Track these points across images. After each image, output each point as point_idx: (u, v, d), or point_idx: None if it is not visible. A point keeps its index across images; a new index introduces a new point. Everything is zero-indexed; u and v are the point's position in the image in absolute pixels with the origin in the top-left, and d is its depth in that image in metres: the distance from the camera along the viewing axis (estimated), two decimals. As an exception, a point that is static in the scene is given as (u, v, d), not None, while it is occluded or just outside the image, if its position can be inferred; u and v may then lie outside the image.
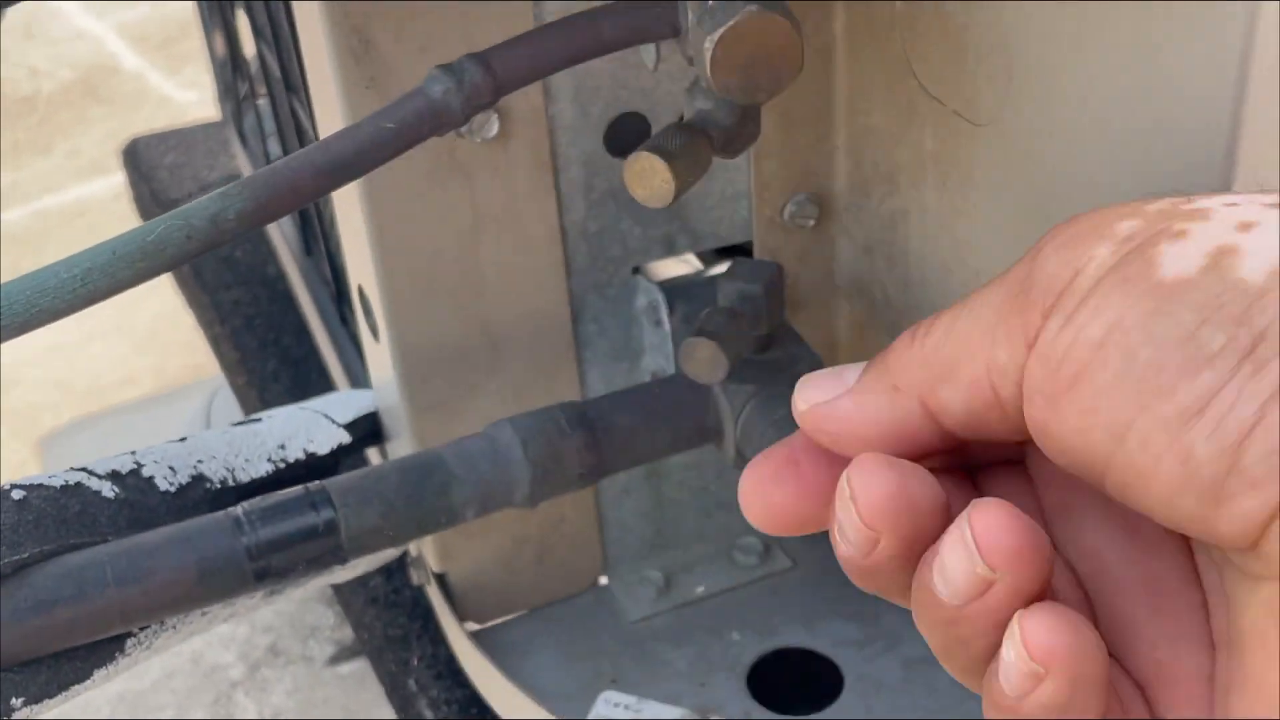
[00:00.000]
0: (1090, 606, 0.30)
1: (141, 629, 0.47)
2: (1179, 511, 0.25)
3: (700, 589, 0.62)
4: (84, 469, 0.48)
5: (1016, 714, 0.27)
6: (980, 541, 0.26)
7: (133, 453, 0.50)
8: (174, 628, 0.48)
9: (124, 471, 0.49)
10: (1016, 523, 0.26)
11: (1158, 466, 0.25)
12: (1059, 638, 0.26)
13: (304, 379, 0.86)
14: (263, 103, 0.87)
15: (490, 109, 0.48)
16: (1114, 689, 0.28)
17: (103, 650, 0.46)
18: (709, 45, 0.39)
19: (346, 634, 1.02)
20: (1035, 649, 0.26)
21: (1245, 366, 0.25)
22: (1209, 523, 0.25)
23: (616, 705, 0.57)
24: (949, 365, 0.29)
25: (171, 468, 0.50)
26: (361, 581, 0.70)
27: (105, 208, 1.77)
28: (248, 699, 1.00)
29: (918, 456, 0.30)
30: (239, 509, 0.46)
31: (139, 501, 0.48)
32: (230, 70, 0.94)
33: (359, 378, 0.70)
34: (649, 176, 0.41)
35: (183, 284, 1.01)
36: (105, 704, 1.01)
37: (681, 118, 0.44)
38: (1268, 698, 0.25)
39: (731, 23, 0.39)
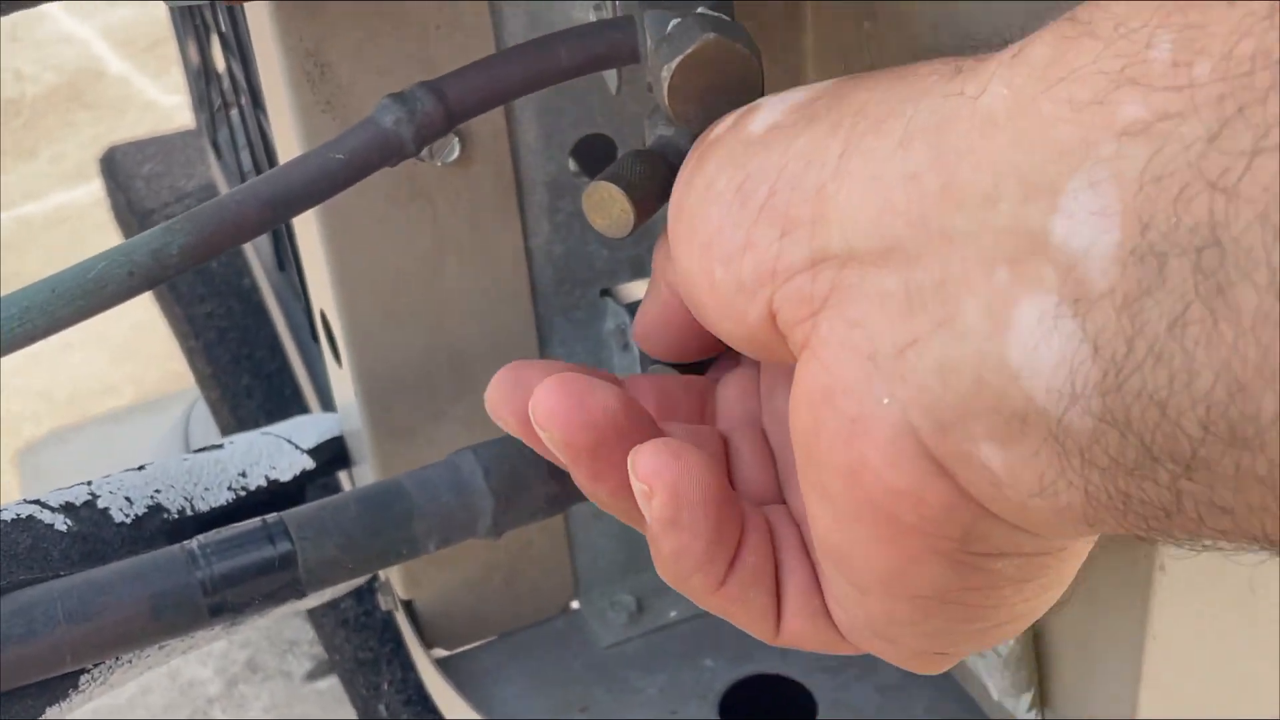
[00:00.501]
0: (775, 466, 0.37)
1: (95, 665, 0.46)
2: (730, 335, 0.31)
3: (673, 613, 0.61)
4: (36, 501, 0.47)
5: (649, 536, 0.32)
6: (537, 413, 0.33)
7: (88, 483, 0.49)
8: (130, 662, 0.47)
9: (78, 503, 0.48)
10: (562, 398, 0.32)
11: (702, 297, 0.31)
12: (659, 460, 0.31)
13: (277, 394, 0.85)
14: (236, 114, 0.86)
15: (447, 135, 0.47)
16: (762, 519, 0.34)
17: (56, 687, 0.45)
18: (666, 74, 0.38)
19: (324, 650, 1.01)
20: (640, 471, 0.31)
21: (734, 202, 0.30)
22: (746, 340, 0.31)
23: (586, 734, 0.56)
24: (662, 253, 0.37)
25: (128, 498, 0.49)
26: (332, 604, 0.70)
27: (88, 214, 1.76)
28: (225, 715, 0.99)
29: (699, 344, 0.39)
30: (194, 542, 0.45)
31: (93, 534, 0.47)
32: (204, 81, 0.94)
33: (330, 396, 0.69)
34: (608, 206, 0.40)
35: (158, 296, 1.00)
36: (81, 721, 1.00)
37: (643, 143, 0.43)
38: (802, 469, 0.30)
39: (689, 50, 0.38)
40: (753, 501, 0.35)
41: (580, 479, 0.34)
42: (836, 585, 0.32)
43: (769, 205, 0.29)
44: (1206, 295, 0.21)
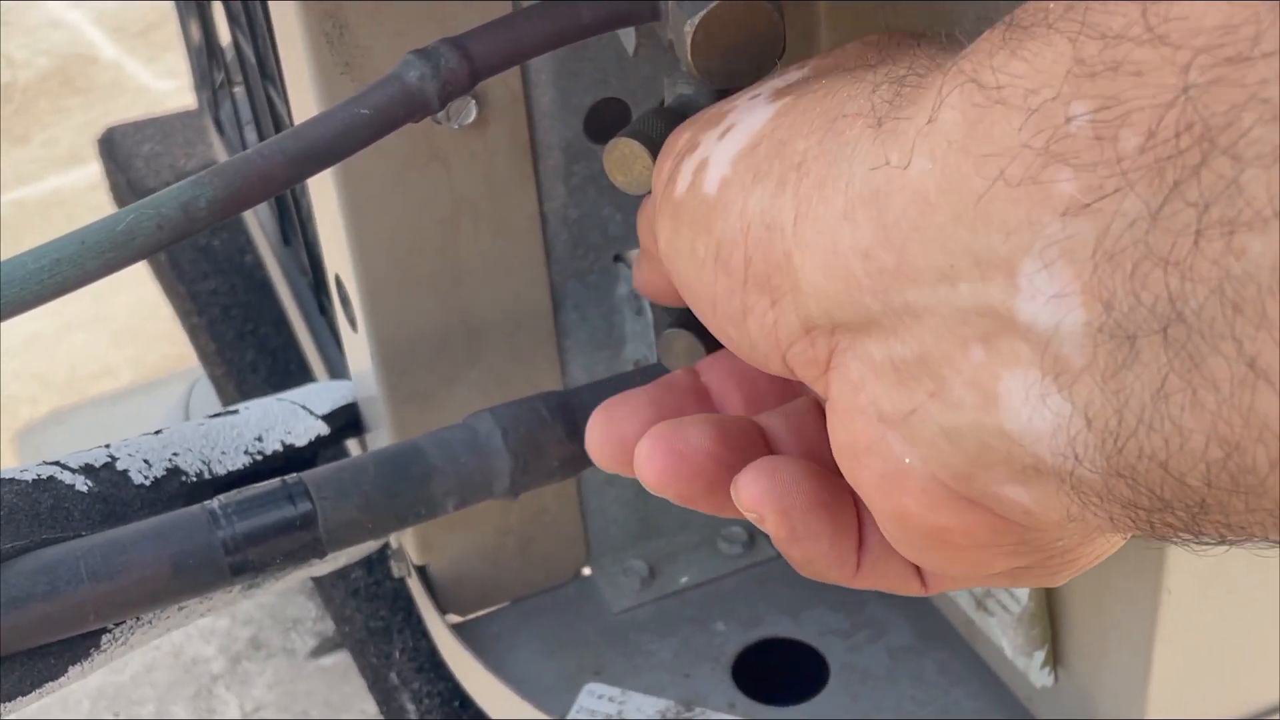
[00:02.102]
0: None
1: (117, 624, 0.46)
2: (768, 369, 0.31)
3: (685, 579, 0.62)
4: (57, 463, 0.47)
5: (780, 551, 0.33)
6: (645, 477, 0.33)
7: (106, 446, 0.49)
8: (150, 623, 0.47)
9: (98, 465, 0.48)
10: (663, 456, 0.33)
11: (727, 344, 0.32)
12: (758, 486, 0.31)
13: (282, 369, 0.85)
14: (239, 91, 0.86)
15: (467, 95, 0.47)
16: (853, 504, 0.33)
17: (78, 646, 0.45)
18: (689, 29, 0.38)
19: (328, 626, 1.02)
20: (745, 502, 0.32)
21: (719, 270, 0.31)
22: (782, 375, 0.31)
23: (600, 697, 0.56)
24: (650, 235, 0.37)
25: (146, 461, 0.49)
26: (342, 574, 0.70)
27: (82, 198, 1.76)
28: (229, 692, 0.99)
29: None
30: (214, 502, 0.45)
31: (113, 495, 0.47)
32: (206, 58, 0.93)
33: (337, 368, 0.69)
34: (629, 163, 0.41)
35: (160, 274, 1.00)
36: (85, 698, 1.00)
37: (662, 102, 0.43)
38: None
39: (712, 6, 0.38)
40: None
41: (706, 511, 0.34)
42: None
43: (750, 274, 0.30)
44: (1182, 369, 0.21)
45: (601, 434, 0.36)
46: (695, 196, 0.32)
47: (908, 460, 0.27)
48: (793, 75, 0.34)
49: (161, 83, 2.06)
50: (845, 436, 0.29)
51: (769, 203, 0.29)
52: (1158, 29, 0.20)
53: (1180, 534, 0.24)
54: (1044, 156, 0.22)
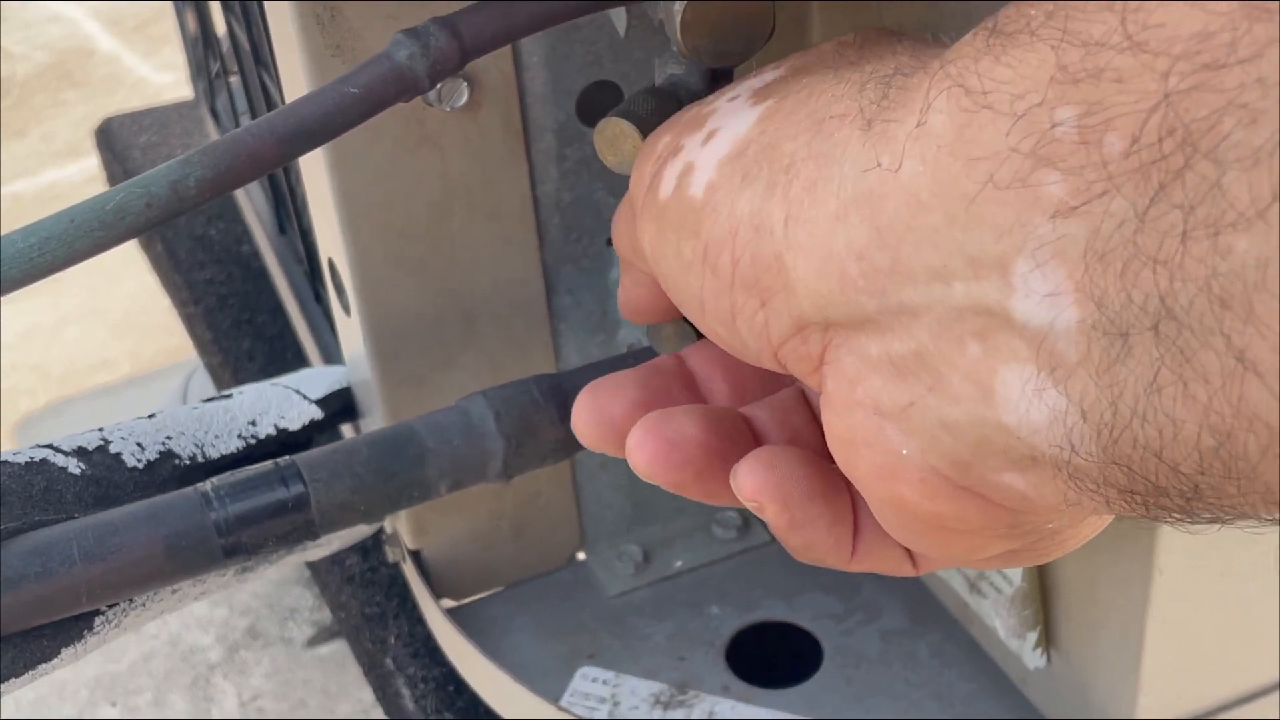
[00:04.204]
0: None
1: (110, 607, 0.46)
2: (759, 365, 0.31)
3: (679, 563, 0.62)
4: (50, 445, 0.47)
5: (778, 537, 0.33)
6: (636, 463, 0.34)
7: (100, 429, 0.49)
8: (144, 605, 0.47)
9: (90, 448, 0.48)
10: (654, 444, 0.33)
11: (718, 342, 0.32)
12: (757, 477, 0.32)
13: (278, 357, 0.85)
14: (235, 80, 0.86)
15: (458, 76, 0.47)
16: (848, 491, 0.34)
17: (71, 628, 0.45)
18: (678, 8, 0.38)
19: (325, 615, 1.02)
20: (745, 492, 0.32)
21: (706, 271, 0.31)
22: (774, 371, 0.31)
23: (595, 681, 0.57)
24: (628, 244, 0.37)
25: (139, 444, 0.49)
26: (337, 560, 0.70)
27: (79, 191, 1.76)
28: (226, 681, 1.00)
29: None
30: (208, 484, 0.45)
31: (106, 478, 0.48)
32: (202, 48, 0.93)
33: (333, 356, 0.69)
34: (619, 142, 0.41)
35: (156, 263, 1.00)
36: (83, 687, 1.00)
37: (653, 83, 0.43)
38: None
39: (701, -16, 0.38)
40: None
41: (694, 499, 0.35)
42: None
43: (738, 275, 0.30)
44: (1173, 363, 0.21)
45: (588, 414, 0.37)
46: (681, 201, 0.32)
47: (905, 451, 0.27)
48: (769, 75, 0.34)
49: (160, 75, 2.06)
50: (842, 429, 0.29)
51: (758, 205, 0.29)
52: (1136, 36, 0.21)
53: (1175, 515, 0.24)
54: (1032, 160, 0.22)
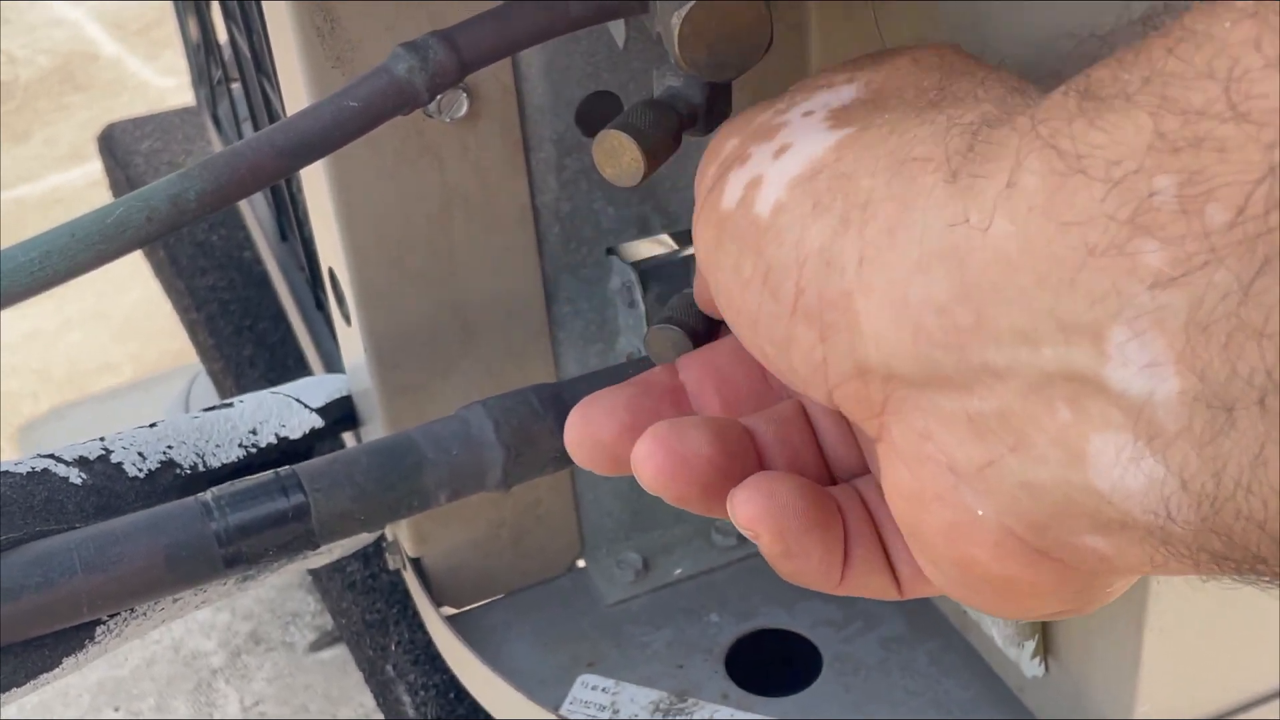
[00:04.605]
0: (854, 434, 0.36)
1: (111, 616, 0.46)
2: (805, 394, 0.31)
3: (679, 571, 0.62)
4: (51, 455, 0.47)
5: (771, 563, 0.33)
6: (642, 475, 0.33)
7: (101, 439, 0.49)
8: (145, 614, 0.48)
9: (92, 458, 0.48)
10: (664, 458, 0.33)
11: (763, 362, 0.32)
12: (755, 505, 0.32)
13: (280, 364, 0.86)
14: (237, 87, 0.87)
15: (458, 88, 0.48)
16: (858, 500, 0.34)
17: (72, 638, 0.46)
18: (676, 21, 0.39)
19: (327, 620, 1.02)
20: (741, 518, 0.32)
21: (765, 293, 0.30)
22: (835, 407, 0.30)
23: (594, 689, 0.57)
24: None
25: (140, 454, 0.50)
26: (339, 567, 0.70)
27: (82, 196, 1.76)
28: (229, 686, 1.00)
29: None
30: (208, 494, 0.46)
31: (107, 488, 0.48)
32: (204, 55, 0.94)
33: (335, 363, 0.70)
34: (618, 154, 0.41)
35: (159, 270, 1.00)
36: (86, 692, 1.00)
37: (651, 95, 0.44)
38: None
39: (698, -2, 0.38)
40: (842, 476, 0.36)
41: (695, 512, 0.35)
42: None
43: (801, 304, 0.29)
44: None
45: (579, 433, 0.37)
46: (745, 215, 0.31)
47: (980, 511, 0.27)
48: (844, 93, 0.33)
49: (162, 80, 2.07)
50: (911, 484, 0.28)
51: (830, 239, 0.29)
52: (1240, 107, 0.21)
53: (1267, 580, 0.24)
54: (1129, 228, 0.22)
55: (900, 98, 0.32)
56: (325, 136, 0.38)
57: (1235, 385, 0.21)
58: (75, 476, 0.47)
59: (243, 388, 0.85)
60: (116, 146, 1.15)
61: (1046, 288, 0.24)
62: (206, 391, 1.07)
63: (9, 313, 1.49)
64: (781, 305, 0.30)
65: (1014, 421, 0.25)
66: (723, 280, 0.32)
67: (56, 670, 0.46)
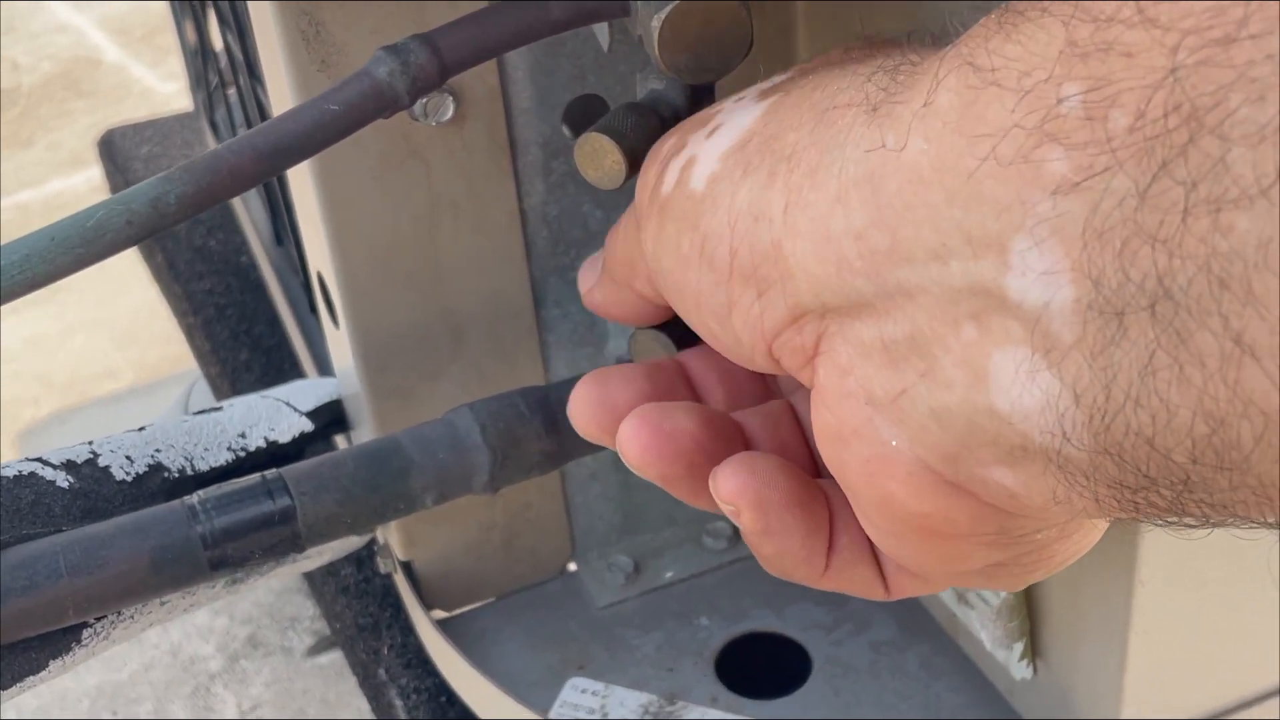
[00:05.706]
0: None
1: (98, 619, 0.46)
2: (751, 367, 0.32)
3: (669, 574, 0.62)
4: (38, 459, 0.47)
5: (748, 542, 0.33)
6: (627, 453, 0.34)
7: (89, 442, 0.50)
8: (132, 618, 0.48)
9: (79, 461, 0.48)
10: (649, 436, 0.33)
11: (711, 342, 0.33)
12: (738, 479, 0.32)
13: (276, 368, 0.86)
14: (233, 93, 0.87)
15: (443, 91, 0.48)
16: (826, 505, 0.33)
17: (58, 641, 0.46)
18: (655, 24, 0.39)
19: (325, 625, 1.02)
20: (723, 493, 0.32)
21: (703, 264, 0.31)
22: (767, 370, 0.32)
23: (584, 692, 0.57)
24: (625, 261, 0.37)
25: (128, 457, 0.50)
26: (332, 571, 0.70)
27: (84, 201, 1.76)
28: (226, 690, 1.00)
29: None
30: (194, 497, 0.46)
31: (94, 491, 0.48)
32: (201, 60, 0.94)
33: (327, 367, 0.70)
34: (600, 157, 0.41)
35: (157, 274, 1.01)
36: (84, 697, 1.00)
37: (634, 99, 0.44)
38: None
39: (678, 2, 0.38)
40: (828, 474, 0.36)
41: (680, 497, 0.35)
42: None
43: (736, 266, 0.30)
44: (1169, 345, 0.21)
45: (593, 397, 0.36)
46: (682, 193, 0.32)
47: (894, 443, 0.27)
48: (777, 78, 0.34)
49: (166, 85, 2.07)
50: (831, 421, 0.29)
51: (758, 194, 0.29)
52: (1148, 11, 0.21)
53: (1164, 514, 0.24)
54: (1036, 136, 0.22)
55: (828, 65, 0.32)
56: (306, 139, 0.38)
57: (1127, 291, 0.21)
58: (62, 480, 0.47)
59: (239, 392, 0.85)
60: (116, 151, 1.16)
61: (956, 202, 0.24)
62: (205, 397, 1.07)
63: (10, 318, 1.49)
64: (719, 271, 0.30)
65: (923, 344, 0.25)
66: (667, 266, 0.33)
67: (43, 673, 0.46)
